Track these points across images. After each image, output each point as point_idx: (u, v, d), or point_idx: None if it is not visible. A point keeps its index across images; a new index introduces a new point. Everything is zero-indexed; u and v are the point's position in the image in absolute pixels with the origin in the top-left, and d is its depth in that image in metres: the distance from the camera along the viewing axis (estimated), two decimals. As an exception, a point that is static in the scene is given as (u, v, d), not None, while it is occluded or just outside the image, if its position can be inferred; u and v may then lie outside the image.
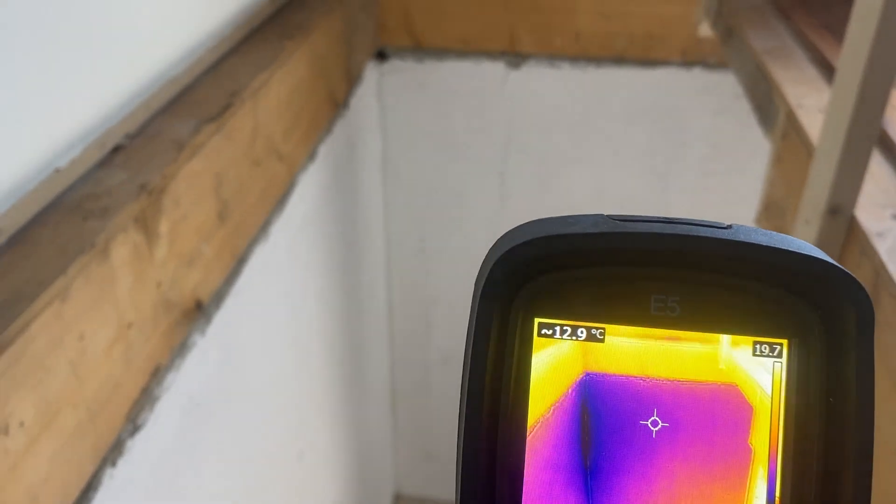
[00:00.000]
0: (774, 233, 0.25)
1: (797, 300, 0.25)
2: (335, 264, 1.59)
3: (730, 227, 0.25)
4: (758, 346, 0.25)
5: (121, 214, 0.76)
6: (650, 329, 0.25)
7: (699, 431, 0.25)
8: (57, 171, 0.78)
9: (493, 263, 0.25)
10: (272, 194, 1.16)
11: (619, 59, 1.70)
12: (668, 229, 0.24)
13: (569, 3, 1.65)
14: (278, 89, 1.14)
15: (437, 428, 2.22)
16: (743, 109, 1.40)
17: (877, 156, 0.87)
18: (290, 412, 1.40)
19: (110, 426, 0.77)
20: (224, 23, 1.14)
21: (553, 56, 1.72)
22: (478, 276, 0.25)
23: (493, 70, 1.75)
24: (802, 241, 0.25)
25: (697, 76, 1.69)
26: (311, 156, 1.34)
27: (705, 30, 1.53)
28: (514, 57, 1.73)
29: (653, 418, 0.25)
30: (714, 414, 0.25)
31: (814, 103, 0.98)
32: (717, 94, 1.69)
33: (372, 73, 1.74)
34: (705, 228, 0.25)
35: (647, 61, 1.69)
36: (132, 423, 0.82)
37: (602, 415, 0.26)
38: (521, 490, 0.25)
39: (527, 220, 0.26)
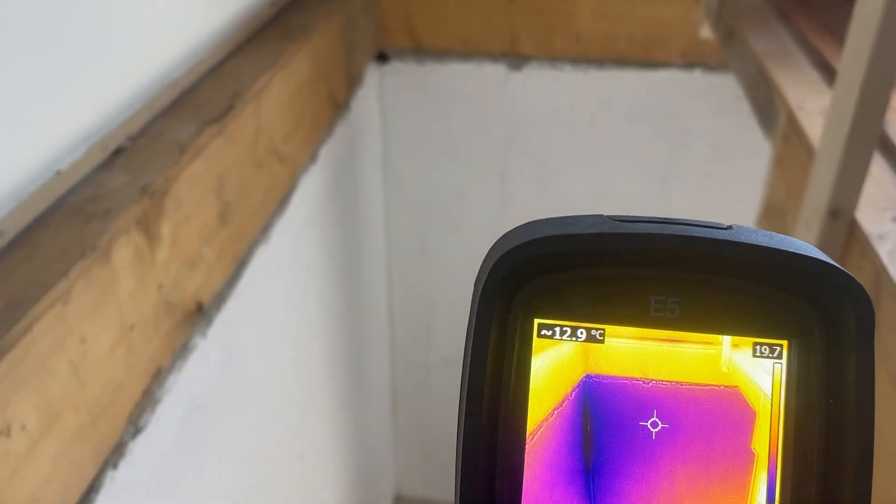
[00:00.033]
0: (774, 233, 0.25)
1: (797, 301, 0.25)
2: (336, 266, 1.59)
3: (729, 227, 0.25)
4: (758, 348, 0.25)
5: (122, 217, 0.76)
6: (650, 330, 0.25)
7: (700, 434, 0.25)
8: (58, 173, 0.78)
9: (492, 264, 0.25)
10: (273, 196, 1.16)
11: (620, 61, 1.70)
12: (668, 230, 0.24)
13: (569, 5, 1.65)
14: (280, 91, 1.14)
15: (438, 429, 2.22)
16: (743, 111, 1.40)
17: (878, 158, 0.87)
18: (291, 413, 1.40)
19: (112, 428, 0.77)
20: (226, 24, 1.14)
21: (554, 58, 1.72)
22: (477, 276, 0.25)
23: (493, 72, 1.76)
24: (802, 242, 0.25)
25: (698, 78, 1.69)
26: (313, 157, 1.34)
27: (706, 31, 1.53)
28: (515, 59, 1.74)
29: (652, 419, 0.25)
30: (715, 417, 0.25)
31: (814, 106, 0.98)
32: (718, 95, 1.69)
33: (373, 75, 1.74)
34: (705, 229, 0.24)
35: (648, 63, 1.69)
36: (134, 425, 0.82)
37: (603, 417, 0.26)
38: (521, 492, 0.25)
39: (527, 222, 0.26)
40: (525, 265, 0.25)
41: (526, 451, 0.25)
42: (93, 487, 0.75)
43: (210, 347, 0.98)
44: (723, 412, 0.25)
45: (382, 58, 1.76)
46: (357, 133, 1.64)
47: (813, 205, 0.80)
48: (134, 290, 0.78)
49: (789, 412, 0.25)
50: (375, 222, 1.91)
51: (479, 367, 0.25)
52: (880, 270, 0.71)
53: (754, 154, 1.59)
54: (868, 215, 0.77)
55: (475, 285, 0.25)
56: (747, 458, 0.25)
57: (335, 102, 1.44)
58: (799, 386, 0.25)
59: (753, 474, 0.25)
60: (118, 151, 0.87)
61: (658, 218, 0.25)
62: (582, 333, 0.26)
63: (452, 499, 0.26)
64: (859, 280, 0.24)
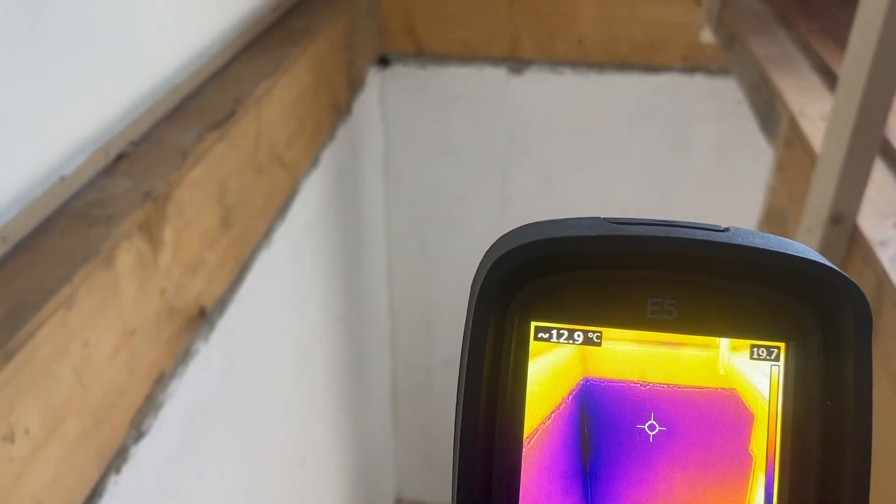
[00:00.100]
0: (771, 235, 0.25)
1: (795, 303, 0.25)
2: (337, 269, 1.59)
3: (727, 229, 0.25)
4: (755, 350, 0.25)
5: (125, 222, 0.76)
6: (647, 332, 0.25)
7: (698, 437, 0.25)
8: (62, 178, 0.78)
9: (489, 266, 0.24)
10: (275, 201, 1.16)
11: (621, 65, 1.70)
12: (665, 232, 0.24)
13: (571, 9, 1.65)
14: (282, 96, 1.14)
15: (439, 431, 2.22)
16: (745, 115, 1.40)
17: (879, 164, 0.87)
18: (293, 417, 1.40)
19: (115, 433, 0.77)
20: (228, 29, 1.14)
21: (555, 62, 1.72)
22: (474, 278, 0.25)
23: (495, 75, 1.76)
24: (800, 244, 0.25)
25: (699, 82, 1.69)
26: (314, 162, 1.35)
27: (707, 35, 1.53)
28: (517, 62, 1.74)
29: (650, 422, 0.25)
30: (713, 419, 0.25)
31: (816, 111, 0.99)
32: (719, 99, 1.69)
33: (374, 79, 1.74)
34: (702, 231, 0.24)
35: (649, 67, 1.69)
36: (136, 430, 0.82)
37: (602, 420, 0.25)
38: (518, 495, 0.25)
39: (523, 224, 0.26)
40: (522, 268, 0.25)
41: (523, 454, 0.25)
42: (96, 492, 0.75)
43: (212, 352, 0.98)
44: (721, 415, 0.25)
45: (384, 61, 1.76)
46: (358, 137, 1.64)
47: (815, 210, 0.80)
48: (136, 295, 0.79)
49: (787, 414, 0.25)
50: (376, 225, 1.91)
51: (475, 370, 0.25)
52: (882, 276, 0.71)
53: (755, 158, 1.59)
54: (870, 221, 0.77)
55: (472, 288, 0.25)
56: (745, 460, 0.25)
57: (337, 106, 1.44)
58: (797, 388, 0.25)
59: (752, 477, 0.25)
60: (121, 157, 0.87)
61: (655, 220, 0.25)
62: (579, 336, 0.25)
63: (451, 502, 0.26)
64: (860, 286, 0.24)
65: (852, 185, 0.77)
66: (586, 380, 0.25)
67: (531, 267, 0.25)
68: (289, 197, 1.23)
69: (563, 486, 0.25)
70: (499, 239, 0.26)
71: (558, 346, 0.25)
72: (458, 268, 1.97)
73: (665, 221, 0.25)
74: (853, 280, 0.24)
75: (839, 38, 1.16)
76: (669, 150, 1.78)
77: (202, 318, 0.94)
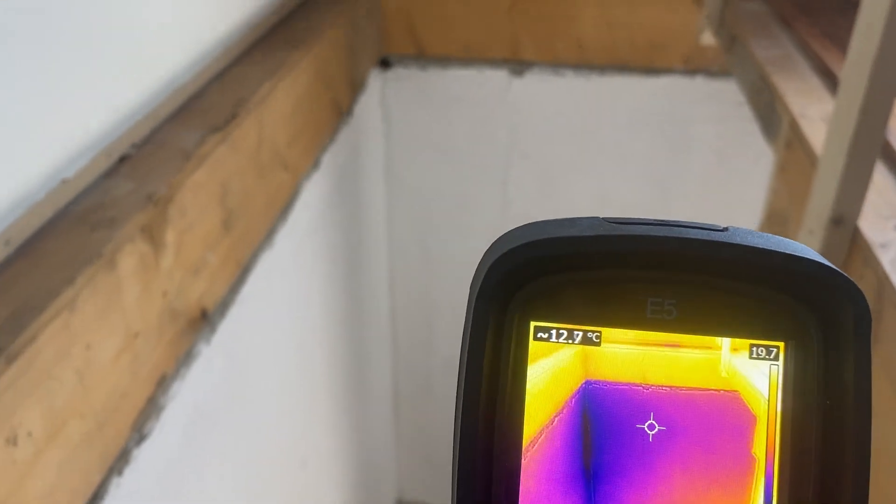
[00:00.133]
0: (771, 235, 0.25)
1: (794, 302, 0.25)
2: (338, 270, 1.59)
3: (726, 229, 0.25)
4: (754, 349, 0.25)
5: (128, 225, 0.76)
6: (647, 333, 0.25)
7: (701, 439, 0.25)
8: (64, 181, 0.78)
9: (488, 266, 0.24)
10: (277, 203, 1.16)
11: (622, 67, 1.70)
12: (664, 232, 0.24)
13: (572, 12, 1.66)
14: (284, 98, 1.14)
15: (440, 433, 2.22)
16: (745, 117, 1.41)
17: (880, 167, 0.87)
18: (294, 418, 1.40)
19: (117, 435, 0.77)
20: (230, 32, 1.14)
21: (556, 64, 1.72)
22: (473, 278, 0.25)
23: (496, 78, 1.76)
24: (799, 244, 0.25)
25: (700, 84, 1.69)
26: (316, 164, 1.35)
27: (708, 38, 1.53)
28: (518, 65, 1.74)
29: (652, 424, 0.25)
30: (716, 421, 0.25)
31: (817, 113, 0.99)
32: (720, 101, 1.69)
33: (376, 81, 1.74)
34: (701, 231, 0.24)
35: (650, 69, 1.69)
36: (138, 433, 0.82)
37: (604, 423, 0.25)
38: (518, 497, 0.25)
39: (523, 224, 0.26)
40: (521, 267, 0.24)
41: (525, 456, 0.25)
42: (98, 494, 0.75)
43: (214, 354, 0.98)
44: (723, 417, 0.25)
45: (385, 63, 1.77)
46: (360, 139, 1.64)
47: (816, 212, 0.80)
48: (139, 297, 0.79)
49: (786, 414, 0.25)
50: (378, 227, 1.91)
51: (475, 370, 0.25)
52: (882, 279, 0.71)
53: (756, 160, 1.59)
54: (870, 224, 0.78)
55: (471, 288, 0.25)
56: (748, 463, 0.25)
57: (338, 108, 1.44)
58: (796, 388, 0.25)
59: (754, 479, 0.25)
60: (123, 159, 0.87)
61: (654, 220, 0.25)
62: (578, 336, 0.25)
63: (452, 503, 0.25)
64: (861, 288, 0.24)
65: (853, 187, 0.77)
66: (587, 382, 0.25)
67: (531, 267, 0.25)
68: (290, 199, 1.23)
69: (563, 488, 0.25)
70: (498, 239, 0.25)
71: (558, 347, 0.25)
72: (458, 269, 1.97)
73: (664, 221, 0.25)
74: (852, 279, 0.24)
75: (840, 40, 1.16)
76: (670, 152, 1.78)
77: (204, 320, 0.94)
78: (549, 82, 1.75)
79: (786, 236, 0.25)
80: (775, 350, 0.25)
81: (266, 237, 1.14)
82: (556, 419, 0.25)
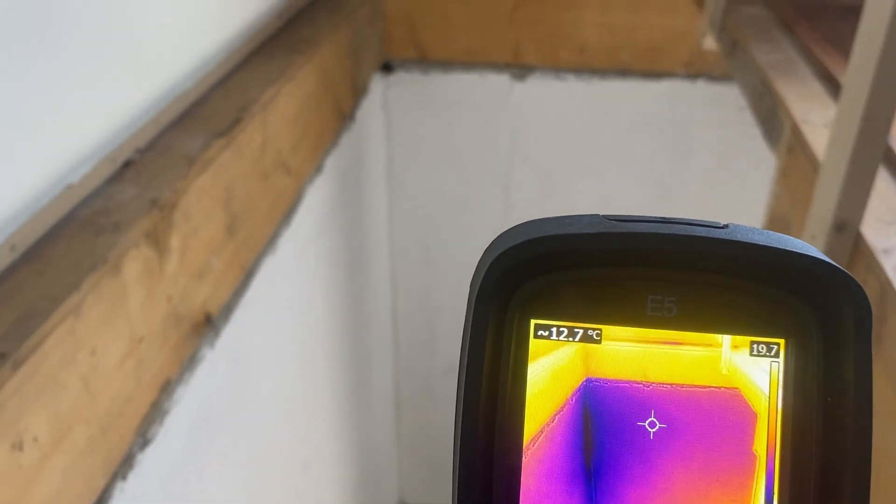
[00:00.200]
0: (771, 232, 0.25)
1: (794, 299, 0.25)
2: (341, 274, 1.59)
3: (726, 226, 0.25)
4: (755, 346, 0.25)
5: (132, 230, 0.77)
6: (647, 330, 0.25)
7: (702, 436, 0.25)
8: (69, 186, 0.79)
9: (488, 265, 0.24)
10: (280, 207, 1.17)
11: (624, 72, 1.70)
12: (665, 229, 0.24)
13: (574, 17, 1.66)
14: (287, 103, 1.14)
15: (441, 436, 2.22)
16: (747, 121, 1.41)
17: (882, 173, 0.87)
18: (297, 421, 1.40)
19: (121, 440, 0.77)
20: (233, 37, 1.14)
21: (558, 68, 1.73)
22: (473, 276, 0.25)
23: (498, 82, 1.76)
24: (799, 241, 0.25)
25: (701, 88, 1.70)
26: (319, 168, 1.35)
27: (709, 42, 1.53)
28: (519, 69, 1.74)
29: (654, 422, 0.25)
30: (717, 419, 0.25)
31: (819, 118, 0.99)
32: (721, 105, 1.70)
33: (378, 86, 1.75)
34: (702, 228, 0.24)
35: (652, 73, 1.69)
36: (142, 437, 0.82)
37: (605, 420, 0.25)
38: (519, 496, 0.25)
39: (522, 222, 0.26)
40: (521, 266, 0.24)
41: (524, 455, 0.25)
42: (102, 499, 0.75)
43: (218, 358, 0.98)
44: (724, 414, 0.25)
45: (387, 68, 1.77)
46: (362, 143, 1.64)
47: (818, 218, 0.81)
48: (143, 302, 0.79)
49: (787, 411, 0.25)
50: (380, 231, 1.91)
51: (475, 369, 0.24)
52: (885, 284, 0.72)
53: (757, 164, 1.59)
54: (873, 229, 0.78)
55: (471, 287, 0.25)
56: (749, 460, 0.25)
57: (341, 113, 1.44)
58: (796, 385, 0.25)
59: (755, 477, 0.25)
60: (127, 164, 0.87)
61: (654, 217, 0.25)
62: (578, 334, 0.25)
63: (453, 505, 0.25)
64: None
65: (856, 193, 0.77)
66: (588, 380, 0.25)
67: (530, 264, 0.24)
68: (294, 203, 1.23)
69: (564, 486, 0.25)
70: (498, 236, 0.25)
71: (558, 345, 0.25)
72: (460, 273, 1.97)
73: (664, 218, 0.25)
74: (853, 276, 0.24)
75: (841, 45, 1.16)
76: (671, 156, 1.79)
77: (208, 325, 0.94)
78: (550, 86, 1.75)
79: (788, 241, 0.25)
80: (776, 347, 0.25)
81: (269, 241, 1.14)
82: (557, 417, 0.25)
